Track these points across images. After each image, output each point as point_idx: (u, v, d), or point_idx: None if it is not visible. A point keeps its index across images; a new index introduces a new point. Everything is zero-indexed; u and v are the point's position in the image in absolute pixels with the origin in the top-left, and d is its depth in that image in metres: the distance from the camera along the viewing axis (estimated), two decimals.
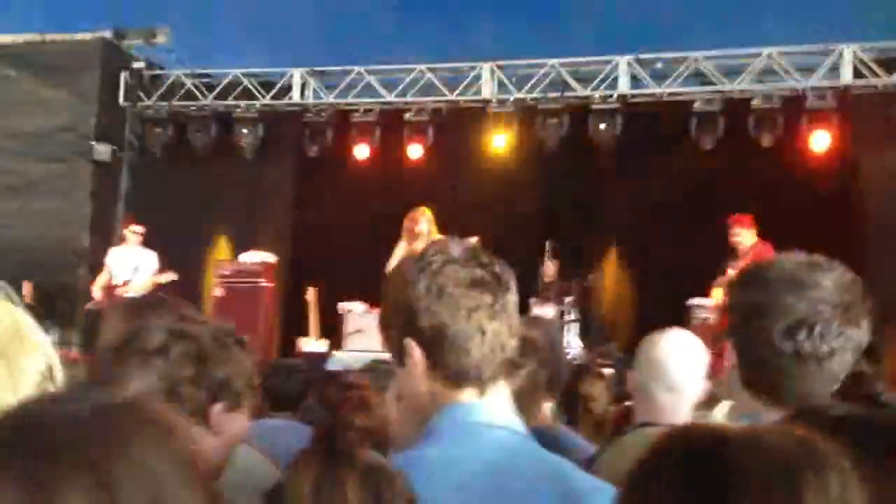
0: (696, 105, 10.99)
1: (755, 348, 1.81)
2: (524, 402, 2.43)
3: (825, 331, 1.76)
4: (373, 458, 1.55)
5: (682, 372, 2.69)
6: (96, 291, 10.62)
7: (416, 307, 1.66)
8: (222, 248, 12.49)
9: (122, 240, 10.82)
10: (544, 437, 2.74)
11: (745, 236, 8.85)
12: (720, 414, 2.96)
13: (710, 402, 2.87)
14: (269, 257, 11.52)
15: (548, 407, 2.91)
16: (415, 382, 1.69)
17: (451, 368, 1.66)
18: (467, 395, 1.68)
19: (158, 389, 1.90)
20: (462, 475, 1.61)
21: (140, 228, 10.64)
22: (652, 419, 2.69)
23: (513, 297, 1.70)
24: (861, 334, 1.80)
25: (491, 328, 1.66)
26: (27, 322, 1.26)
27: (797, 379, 1.77)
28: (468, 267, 1.67)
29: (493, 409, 1.69)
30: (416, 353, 1.67)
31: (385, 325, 1.76)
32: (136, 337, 1.97)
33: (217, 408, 1.94)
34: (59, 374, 1.28)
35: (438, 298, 1.65)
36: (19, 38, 12.77)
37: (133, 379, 1.92)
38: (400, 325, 1.70)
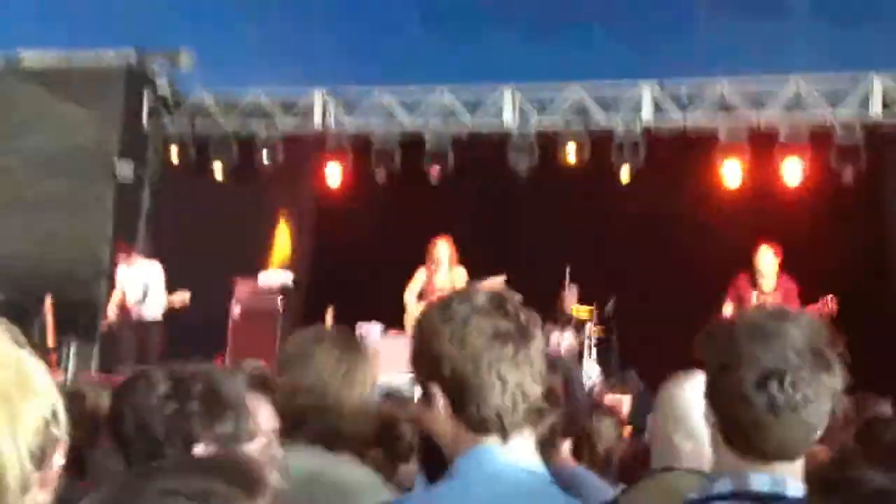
0: (722, 134, 10.87)
1: (730, 403, 1.79)
2: (541, 446, 2.37)
3: (796, 379, 1.74)
4: None
5: (703, 420, 2.61)
6: (111, 310, 10.65)
7: (439, 356, 1.73)
8: (242, 268, 12.47)
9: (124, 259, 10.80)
10: (563, 478, 2.69)
11: (767, 260, 8.77)
12: None
13: None
14: (288, 277, 11.51)
15: (566, 447, 2.85)
16: (441, 426, 1.76)
17: (472, 417, 1.72)
18: (490, 441, 1.73)
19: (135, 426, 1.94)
20: None
21: (139, 256, 10.71)
22: (670, 463, 2.62)
23: (538, 346, 1.76)
24: (835, 380, 1.77)
25: (513, 379, 1.70)
26: (31, 365, 1.22)
27: (775, 430, 1.75)
28: (492, 318, 1.73)
29: (515, 453, 1.73)
30: (439, 399, 1.74)
31: (414, 368, 1.82)
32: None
33: (198, 450, 1.91)
34: (64, 418, 1.23)
35: (461, 349, 1.71)
36: (44, 56, 12.90)
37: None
38: (425, 370, 1.77)
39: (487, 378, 1.69)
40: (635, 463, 3.37)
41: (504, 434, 1.72)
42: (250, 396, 2.00)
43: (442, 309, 1.76)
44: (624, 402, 8.95)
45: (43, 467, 1.20)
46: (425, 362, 1.76)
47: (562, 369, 2.79)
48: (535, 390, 1.73)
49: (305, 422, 2.32)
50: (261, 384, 2.07)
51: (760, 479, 1.76)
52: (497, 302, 1.75)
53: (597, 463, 3.58)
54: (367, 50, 12.18)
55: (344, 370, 2.37)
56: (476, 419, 1.71)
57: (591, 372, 10.19)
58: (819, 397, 1.74)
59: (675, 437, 2.63)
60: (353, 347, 2.47)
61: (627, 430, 5.09)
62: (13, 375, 1.18)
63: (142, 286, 10.45)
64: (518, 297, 1.80)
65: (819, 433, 1.77)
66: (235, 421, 1.93)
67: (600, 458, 3.63)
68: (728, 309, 8.97)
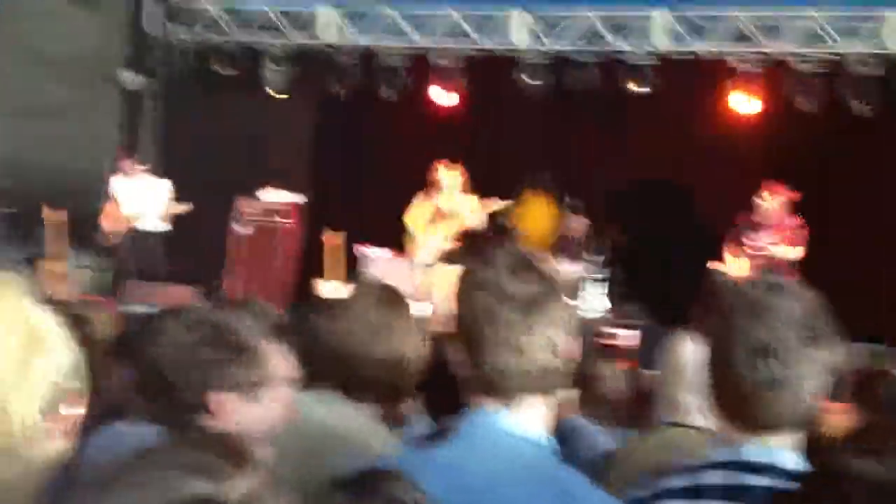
0: (736, 64, 10.72)
1: (722, 376, 1.82)
2: None
3: (786, 355, 1.75)
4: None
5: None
6: (103, 222, 10.60)
7: (458, 314, 1.77)
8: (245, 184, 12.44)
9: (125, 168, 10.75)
10: (563, 430, 2.72)
11: (771, 202, 8.71)
12: None
13: None
14: (295, 197, 11.49)
15: (566, 395, 2.87)
16: (462, 380, 1.80)
17: (481, 376, 1.74)
18: (492, 405, 1.74)
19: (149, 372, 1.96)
20: (467, 479, 1.67)
21: (141, 167, 10.63)
22: (677, 419, 2.65)
23: (553, 316, 1.74)
24: (828, 355, 1.79)
25: (517, 342, 1.70)
26: (43, 321, 1.26)
27: (765, 404, 1.78)
28: (511, 280, 1.72)
29: (518, 420, 1.73)
30: (459, 353, 1.78)
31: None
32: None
33: (212, 396, 1.95)
34: (81, 370, 1.28)
35: (470, 308, 1.74)
36: None
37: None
38: (452, 326, 1.81)
39: (488, 338, 1.71)
40: (640, 406, 3.41)
41: (506, 397, 1.73)
42: (267, 343, 2.01)
43: (465, 270, 1.81)
44: (631, 337, 8.98)
45: (55, 419, 1.24)
46: (452, 319, 1.81)
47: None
48: (545, 356, 1.72)
49: (330, 368, 2.35)
50: (278, 330, 2.08)
51: (753, 450, 1.80)
52: (519, 264, 1.76)
53: (601, 410, 3.61)
54: None
55: (380, 321, 2.38)
56: (484, 380, 1.73)
57: (600, 306, 10.23)
58: (811, 373, 1.76)
59: (680, 393, 2.66)
60: (393, 301, 2.48)
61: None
62: (24, 333, 1.21)
63: (141, 197, 10.44)
64: (549, 263, 1.82)
65: (809, 407, 1.80)
66: (249, 368, 1.94)
67: (604, 405, 3.66)
68: (728, 255, 8.99)
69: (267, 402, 1.96)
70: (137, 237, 10.54)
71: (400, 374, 2.39)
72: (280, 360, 2.04)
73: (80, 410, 1.30)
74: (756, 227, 8.77)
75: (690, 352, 2.66)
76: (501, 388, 1.72)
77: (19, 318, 1.22)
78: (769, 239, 8.73)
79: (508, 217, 10.05)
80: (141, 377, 1.98)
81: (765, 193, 8.79)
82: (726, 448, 1.85)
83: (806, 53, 10.51)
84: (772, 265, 8.72)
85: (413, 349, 2.43)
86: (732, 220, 9.32)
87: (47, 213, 10.67)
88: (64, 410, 1.27)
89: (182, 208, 10.46)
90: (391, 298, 2.48)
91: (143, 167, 10.72)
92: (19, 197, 11.68)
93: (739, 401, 1.80)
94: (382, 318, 2.40)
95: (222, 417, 1.91)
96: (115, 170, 11.22)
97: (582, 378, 3.65)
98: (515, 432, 1.72)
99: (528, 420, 1.74)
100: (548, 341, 1.72)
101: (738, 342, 1.77)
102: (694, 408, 2.62)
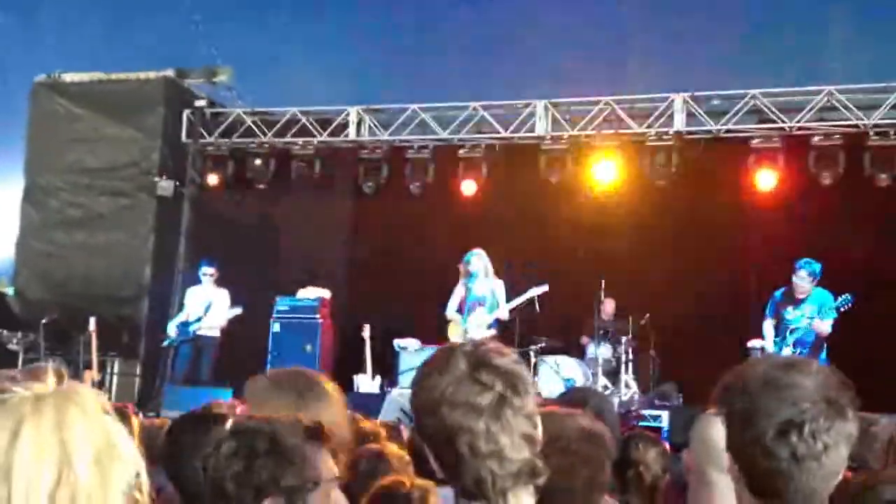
0: (755, 142, 10.87)
1: (752, 455, 1.82)
2: (594, 499, 2.42)
3: (815, 428, 1.77)
4: None
5: None
6: (171, 329, 10.97)
7: (424, 422, 1.75)
8: (280, 284, 12.64)
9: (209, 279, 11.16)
10: None
11: (806, 281, 8.70)
12: None
13: None
14: (325, 293, 11.65)
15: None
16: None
17: (458, 483, 1.73)
18: None
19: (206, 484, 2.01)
20: None
21: (210, 270, 10.97)
22: (709, 502, 2.66)
23: (524, 412, 1.72)
24: (850, 426, 1.81)
25: (487, 450, 1.70)
26: (117, 430, 1.30)
27: (798, 479, 1.78)
28: (467, 388, 1.71)
29: None
30: (432, 460, 1.76)
31: (413, 426, 1.89)
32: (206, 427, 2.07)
33: (267, 503, 2.00)
34: (145, 482, 1.30)
35: (434, 418, 1.72)
36: (85, 76, 13.16)
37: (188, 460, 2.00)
38: (418, 428, 1.80)
39: (461, 451, 1.69)
40: (676, 491, 3.40)
41: (492, 500, 1.71)
42: (308, 446, 2.09)
43: (424, 378, 1.77)
44: (662, 418, 8.96)
45: None
46: (416, 419, 1.79)
47: (592, 404, 2.80)
48: (520, 454, 1.71)
49: None
50: (316, 435, 2.16)
51: None
52: (476, 368, 1.73)
53: (643, 493, 3.61)
54: (400, 70, 12.25)
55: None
56: (461, 486, 1.73)
57: (629, 386, 10.21)
58: (837, 444, 1.78)
59: (709, 472, 2.68)
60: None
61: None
62: (104, 441, 1.25)
63: (204, 306, 10.79)
64: (507, 355, 1.77)
65: (839, 478, 1.82)
66: (299, 473, 2.03)
67: (647, 489, 3.65)
68: (768, 326, 8.95)
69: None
70: (195, 343, 10.83)
71: None
72: (325, 461, 2.13)
73: None
74: (795, 301, 8.75)
75: (718, 430, 2.70)
76: (487, 494, 1.71)
77: (101, 425, 1.26)
78: (804, 309, 8.71)
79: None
80: (188, 487, 2.03)
81: (802, 273, 8.73)
82: None
83: (825, 128, 10.64)
84: (810, 338, 8.69)
85: None
86: (763, 295, 9.31)
87: (92, 322, 10.91)
88: None
89: (232, 313, 10.78)
90: None
91: (217, 274, 11.03)
92: (61, 304, 11.97)
93: (771, 477, 1.80)
94: None
95: None
96: (169, 274, 11.58)
97: (623, 463, 3.67)
98: None
99: None
100: (523, 437, 1.73)
101: (765, 420, 1.78)
102: (725, 487, 2.64)
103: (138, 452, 1.31)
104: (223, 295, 10.98)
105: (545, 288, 9.56)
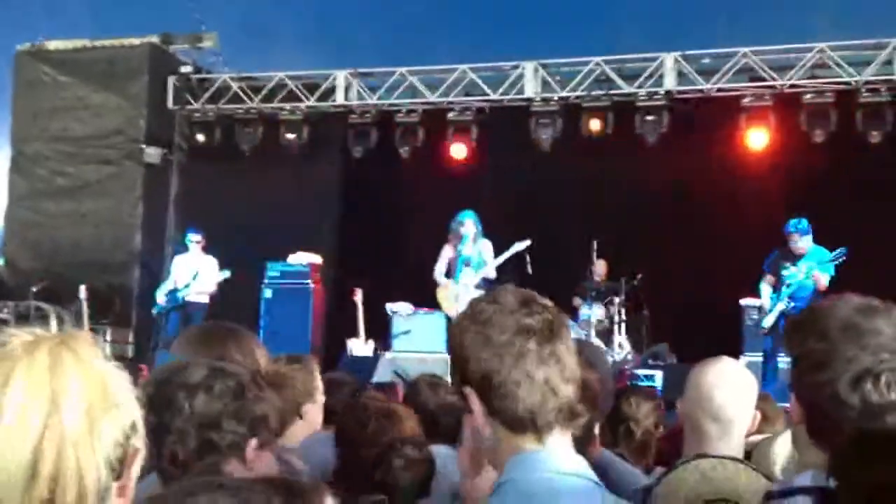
0: (746, 100, 10.82)
1: (821, 402, 1.77)
2: (581, 444, 2.42)
3: (892, 379, 1.72)
4: None
5: (729, 402, 2.66)
6: (160, 297, 10.91)
7: (466, 356, 1.72)
8: (270, 249, 12.60)
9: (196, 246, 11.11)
10: (597, 468, 2.74)
11: (804, 242, 8.67)
12: (780, 448, 2.93)
13: (760, 430, 2.84)
14: (316, 258, 11.62)
15: (596, 431, 2.89)
16: (481, 428, 1.74)
17: (507, 414, 1.70)
18: (528, 443, 1.71)
19: (200, 422, 1.97)
20: None
21: (197, 237, 10.92)
22: (702, 450, 2.66)
23: (566, 345, 1.73)
24: None
25: (540, 375, 1.69)
26: (115, 378, 1.26)
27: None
28: (516, 315, 1.71)
29: (558, 456, 1.71)
30: (474, 400, 1.73)
31: (451, 374, 1.83)
32: (180, 372, 2.04)
33: (252, 443, 2.00)
34: (142, 429, 1.28)
35: (485, 346, 1.70)
36: (69, 43, 13.00)
37: (180, 411, 1.97)
38: (458, 373, 1.76)
39: (514, 374, 1.68)
40: (671, 445, 3.40)
41: (538, 433, 1.70)
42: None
43: (469, 310, 1.77)
44: (656, 377, 8.99)
45: (121, 477, 1.25)
46: (458, 365, 1.76)
47: (588, 355, 2.79)
48: (566, 389, 1.70)
49: None
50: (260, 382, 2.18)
51: None
52: (523, 301, 1.75)
53: (635, 449, 3.61)
54: (388, 32, 12.12)
55: None
56: (511, 418, 1.70)
57: (623, 347, 10.23)
58: None
59: (703, 422, 2.68)
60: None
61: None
62: (98, 389, 1.23)
63: (192, 273, 10.76)
64: (548, 300, 1.79)
65: None
66: (272, 418, 2.06)
67: (638, 444, 3.66)
68: (766, 286, 8.93)
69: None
70: (184, 309, 10.79)
71: None
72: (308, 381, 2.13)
73: (137, 470, 1.29)
74: (792, 257, 8.72)
75: (710, 381, 2.69)
76: (536, 425, 1.69)
77: (96, 373, 1.23)
78: (800, 267, 8.69)
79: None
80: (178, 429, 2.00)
81: (795, 236, 8.69)
82: (815, 474, 1.77)
83: (817, 86, 10.60)
84: (805, 293, 8.67)
85: None
86: (755, 254, 9.30)
87: (83, 290, 10.88)
88: (134, 470, 1.27)
89: (220, 276, 10.74)
90: None
91: (203, 241, 10.98)
92: (51, 273, 11.92)
93: (841, 427, 1.73)
94: None
95: (250, 461, 1.98)
96: (159, 241, 11.51)
97: (615, 417, 3.67)
98: (564, 469, 1.69)
99: (568, 455, 1.72)
100: (570, 371, 1.72)
101: (840, 366, 1.73)
102: (716, 436, 2.64)
103: (136, 402, 1.28)
104: (211, 262, 10.94)
105: (527, 243, 9.51)
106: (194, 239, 11.02)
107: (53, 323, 1.27)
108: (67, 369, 1.21)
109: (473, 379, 1.72)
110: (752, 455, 2.73)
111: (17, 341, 1.22)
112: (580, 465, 1.73)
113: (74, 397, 1.19)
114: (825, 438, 1.79)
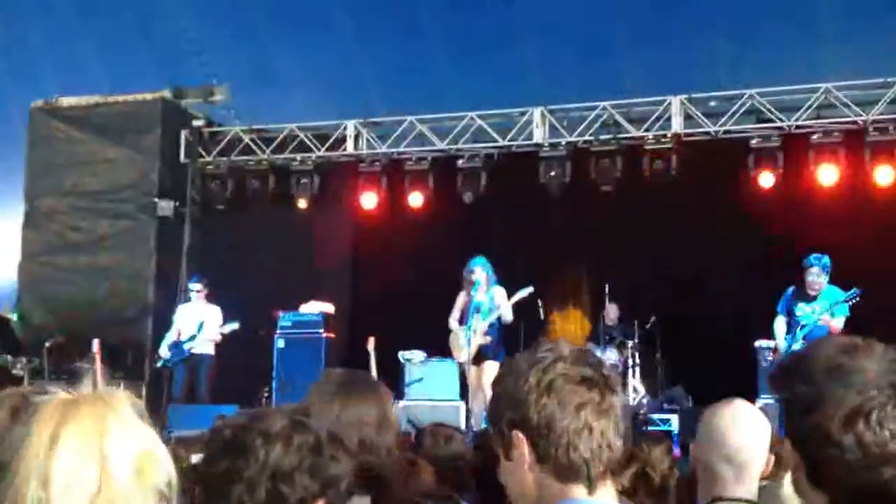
0: (754, 142, 10.85)
1: (815, 445, 1.75)
2: None
3: (882, 415, 1.71)
4: None
5: (743, 444, 2.64)
6: (163, 350, 10.88)
7: (526, 400, 1.72)
8: (283, 299, 12.62)
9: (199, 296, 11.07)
10: None
11: (822, 279, 8.60)
12: (787, 489, 2.88)
13: (775, 474, 2.80)
14: (328, 307, 11.62)
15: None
16: (522, 475, 1.74)
17: (560, 462, 1.70)
18: (577, 492, 1.71)
19: (273, 473, 1.92)
20: None
21: (198, 286, 10.89)
22: (716, 493, 2.64)
23: (619, 399, 1.76)
24: None
25: (598, 426, 1.71)
26: (151, 434, 1.28)
27: (857, 470, 1.71)
28: (577, 365, 1.74)
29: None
30: (523, 445, 1.72)
31: (494, 419, 1.82)
32: (260, 419, 2.00)
33: (321, 502, 1.95)
34: (176, 487, 1.29)
35: (548, 393, 1.71)
36: (82, 100, 13.18)
37: (256, 459, 1.94)
38: (509, 417, 1.75)
39: (575, 422, 1.69)
40: (687, 489, 3.37)
41: (590, 483, 1.70)
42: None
43: (528, 355, 1.78)
44: (672, 421, 8.91)
45: None
46: (510, 409, 1.75)
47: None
48: (618, 443, 1.72)
49: None
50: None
51: None
52: (580, 352, 1.78)
53: (653, 493, 3.58)
54: (397, 82, 12.24)
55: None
56: (563, 466, 1.70)
57: (637, 390, 10.17)
58: None
59: (717, 465, 2.66)
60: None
61: (675, 451, 5.07)
62: (141, 446, 1.25)
63: (197, 323, 10.70)
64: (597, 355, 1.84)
65: None
66: (341, 465, 1.99)
67: (656, 488, 3.62)
68: (780, 323, 8.86)
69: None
70: (190, 361, 10.73)
71: None
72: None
73: None
74: (808, 298, 8.66)
75: (724, 423, 2.67)
76: (584, 474, 1.69)
77: (135, 432, 1.25)
78: (816, 305, 8.63)
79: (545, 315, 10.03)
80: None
81: (814, 269, 8.62)
82: None
83: (824, 126, 10.63)
84: (820, 333, 8.60)
85: None
86: (767, 295, 9.25)
87: (96, 344, 10.86)
88: None
89: (228, 328, 10.67)
90: None
91: (205, 290, 10.94)
92: (64, 328, 11.95)
93: (834, 467, 1.72)
94: None
95: None
96: (172, 294, 11.50)
97: (630, 464, 3.63)
98: None
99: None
100: (619, 423, 1.74)
101: (830, 407, 1.71)
102: (731, 479, 2.62)
103: (170, 459, 1.29)
104: (215, 311, 10.86)
105: (530, 290, 9.46)
106: (196, 288, 10.95)
107: (86, 383, 1.28)
108: (113, 428, 1.22)
109: (529, 424, 1.72)
110: (761, 496, 2.70)
111: (57, 401, 1.23)
112: None
113: (123, 456, 1.21)
114: (824, 482, 1.77)
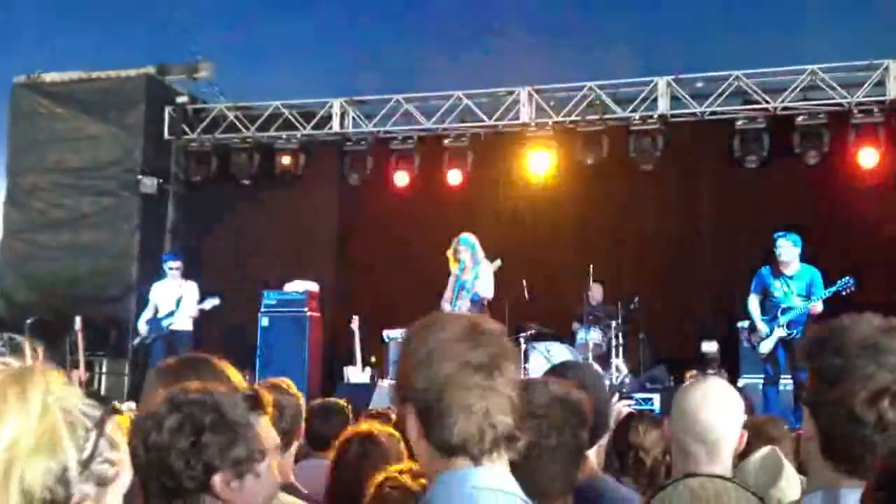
0: (740, 123, 10.85)
1: (835, 418, 1.76)
2: (568, 464, 2.40)
3: None
4: None
5: (715, 423, 2.64)
6: (141, 326, 10.83)
7: (411, 377, 1.75)
8: (267, 278, 12.59)
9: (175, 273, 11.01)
10: (589, 490, 2.71)
11: (789, 252, 8.63)
12: (785, 483, 2.91)
13: (747, 451, 2.81)
14: (313, 286, 11.59)
15: (592, 457, 2.86)
16: (416, 446, 1.79)
17: (442, 438, 1.73)
18: (462, 465, 1.74)
19: (148, 462, 1.93)
20: None
21: (176, 263, 10.85)
22: (689, 470, 2.64)
23: (509, 376, 1.76)
24: None
25: (478, 407, 1.72)
26: (65, 421, 1.24)
27: (882, 449, 1.71)
28: (463, 346, 1.74)
29: (487, 474, 1.73)
30: (411, 419, 1.76)
31: (394, 387, 1.88)
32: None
33: (217, 478, 1.94)
34: (74, 478, 1.24)
35: (429, 375, 1.73)
36: (66, 76, 13.05)
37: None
38: (401, 392, 1.79)
39: (454, 406, 1.71)
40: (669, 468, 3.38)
41: (473, 459, 1.73)
42: (251, 416, 2.04)
43: (418, 333, 1.79)
44: (654, 400, 8.94)
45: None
46: (401, 381, 1.79)
47: (582, 377, 2.78)
48: (505, 420, 1.73)
49: None
50: (254, 403, 2.11)
51: (854, 496, 1.64)
52: (470, 330, 1.77)
53: (644, 477, 3.58)
54: (383, 60, 12.18)
55: None
56: (441, 443, 1.73)
57: (619, 370, 10.20)
58: None
59: (689, 444, 2.66)
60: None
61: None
62: (34, 429, 1.21)
63: (175, 300, 10.65)
64: (497, 327, 1.82)
65: None
66: (246, 445, 1.97)
67: (648, 473, 3.62)
68: (753, 301, 8.88)
69: (264, 474, 2.00)
70: (169, 338, 10.68)
71: None
72: (266, 430, 2.10)
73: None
74: (782, 275, 8.68)
75: (695, 401, 2.67)
76: (462, 452, 1.73)
77: (36, 411, 1.22)
78: (791, 283, 8.65)
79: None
80: (143, 470, 1.95)
81: (781, 238, 8.65)
82: (824, 493, 1.77)
83: (809, 108, 10.64)
84: (804, 319, 8.61)
85: None
86: (751, 276, 9.27)
87: (78, 321, 10.81)
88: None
89: (209, 304, 10.62)
90: None
91: (181, 267, 10.89)
92: (47, 305, 11.89)
93: (852, 444, 1.73)
94: None
95: (225, 496, 1.94)
96: (155, 272, 11.45)
97: (623, 446, 3.64)
98: (491, 486, 1.72)
99: (496, 475, 1.74)
100: (509, 401, 1.74)
101: (858, 384, 1.72)
102: (703, 457, 2.62)
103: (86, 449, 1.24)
104: (192, 287, 10.78)
105: (498, 263, 9.38)
106: (173, 265, 10.87)
107: (28, 355, 1.25)
108: (5, 405, 1.19)
109: (414, 400, 1.75)
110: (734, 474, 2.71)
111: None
112: (509, 483, 1.76)
113: (1, 434, 1.17)
114: (838, 456, 1.77)
